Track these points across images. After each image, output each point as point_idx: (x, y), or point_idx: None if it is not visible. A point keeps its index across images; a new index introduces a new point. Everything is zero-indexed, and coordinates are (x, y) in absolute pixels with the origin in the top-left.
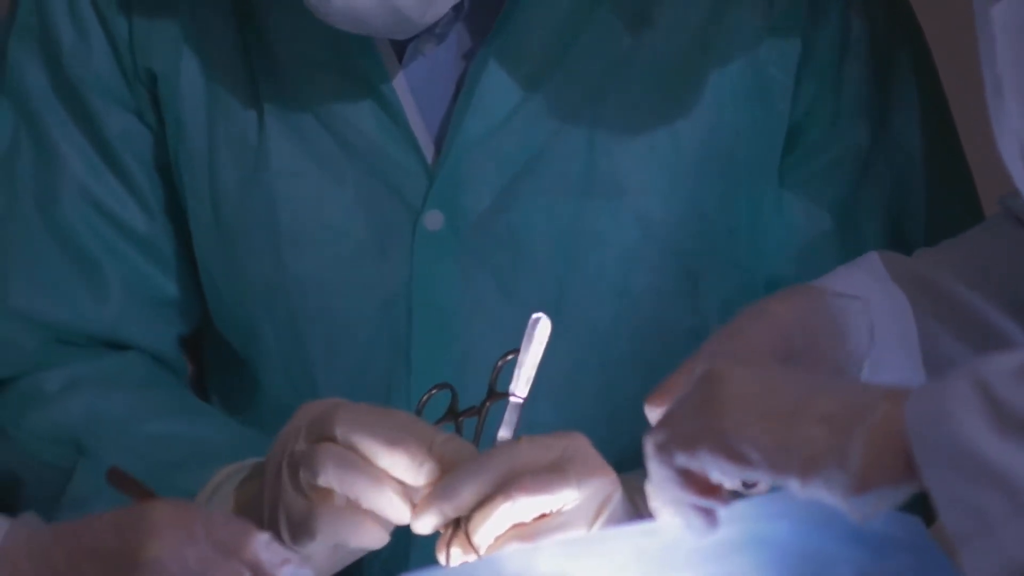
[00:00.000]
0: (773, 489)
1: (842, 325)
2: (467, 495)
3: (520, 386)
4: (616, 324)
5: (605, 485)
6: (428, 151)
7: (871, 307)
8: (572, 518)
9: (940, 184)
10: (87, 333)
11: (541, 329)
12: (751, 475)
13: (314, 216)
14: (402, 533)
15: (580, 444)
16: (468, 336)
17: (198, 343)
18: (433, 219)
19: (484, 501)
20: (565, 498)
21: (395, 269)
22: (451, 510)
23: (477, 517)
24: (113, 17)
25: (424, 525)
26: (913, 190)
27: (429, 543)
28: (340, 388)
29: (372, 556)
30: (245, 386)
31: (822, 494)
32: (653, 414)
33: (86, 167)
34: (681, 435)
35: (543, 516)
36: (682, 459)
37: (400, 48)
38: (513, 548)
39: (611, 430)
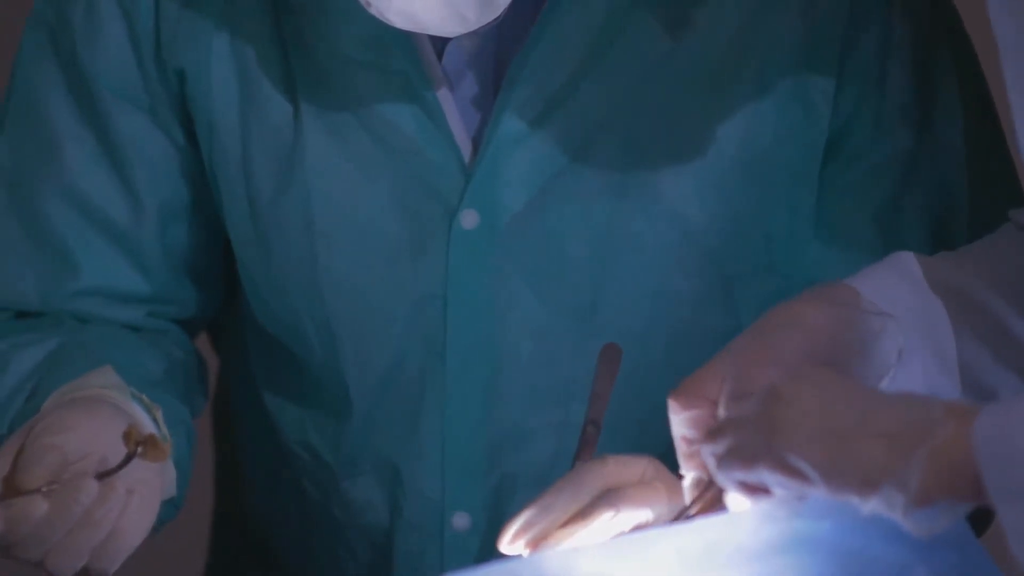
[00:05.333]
0: None
1: (871, 344)
2: (566, 511)
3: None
4: (650, 328)
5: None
6: (465, 150)
7: (904, 316)
8: None
9: (985, 187)
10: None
11: (613, 357)
12: (809, 491)
13: (349, 214)
14: (434, 532)
15: (659, 465)
16: (503, 336)
17: (221, 337)
18: (469, 218)
19: (584, 512)
20: (659, 511)
21: (430, 268)
22: (549, 528)
23: (578, 528)
24: (137, 11)
25: (521, 547)
26: (957, 194)
27: (459, 544)
28: (373, 388)
29: (401, 554)
30: (292, 374)
31: (882, 510)
32: (677, 414)
33: (82, 159)
34: (740, 452)
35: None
36: (740, 475)
37: (439, 47)
38: (554, 548)
39: (642, 433)
